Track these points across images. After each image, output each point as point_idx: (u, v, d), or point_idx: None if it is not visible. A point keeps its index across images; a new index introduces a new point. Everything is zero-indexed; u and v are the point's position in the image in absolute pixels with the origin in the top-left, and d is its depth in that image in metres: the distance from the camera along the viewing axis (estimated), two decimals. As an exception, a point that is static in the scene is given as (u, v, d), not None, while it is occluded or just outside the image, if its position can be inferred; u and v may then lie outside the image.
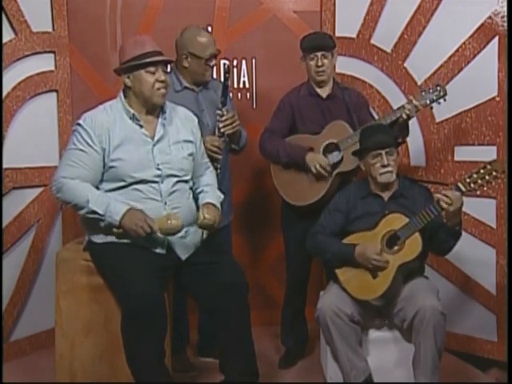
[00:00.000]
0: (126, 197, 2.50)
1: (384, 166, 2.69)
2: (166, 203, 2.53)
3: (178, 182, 2.58)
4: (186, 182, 2.64)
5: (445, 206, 2.52)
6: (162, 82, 2.54)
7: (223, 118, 2.90)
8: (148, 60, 2.51)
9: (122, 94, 2.61)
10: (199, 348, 3.29)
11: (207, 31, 3.01)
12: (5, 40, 3.13)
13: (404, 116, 2.86)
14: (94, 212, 2.45)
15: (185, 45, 2.92)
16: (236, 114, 2.97)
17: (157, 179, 2.53)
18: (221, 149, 2.90)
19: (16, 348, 3.27)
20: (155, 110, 2.60)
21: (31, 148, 3.30)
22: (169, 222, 2.45)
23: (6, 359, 3.15)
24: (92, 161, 2.50)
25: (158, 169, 2.53)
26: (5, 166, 3.14)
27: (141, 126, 2.57)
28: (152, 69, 2.53)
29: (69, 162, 2.51)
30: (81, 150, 2.51)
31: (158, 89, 2.53)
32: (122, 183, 2.51)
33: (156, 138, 2.57)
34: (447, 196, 2.52)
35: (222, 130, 2.90)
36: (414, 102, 2.87)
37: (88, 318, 2.57)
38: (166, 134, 2.60)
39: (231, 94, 3.59)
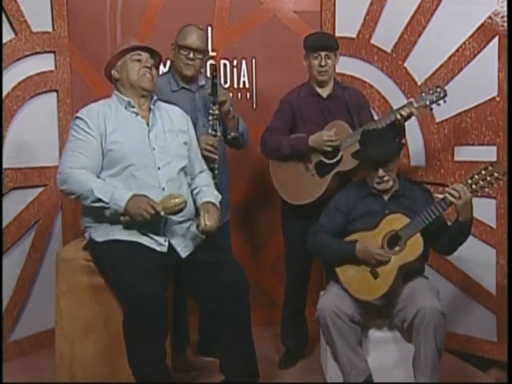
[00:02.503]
0: (124, 185, 2.52)
1: (380, 178, 2.70)
2: (164, 189, 2.55)
3: (176, 171, 2.60)
4: (184, 172, 2.66)
5: (453, 200, 2.52)
6: (147, 67, 2.62)
7: (212, 118, 2.90)
8: (132, 46, 2.61)
9: (115, 90, 2.70)
10: (199, 347, 3.28)
11: (201, 31, 3.00)
12: (5, 40, 3.13)
13: (399, 117, 2.85)
14: (99, 200, 2.47)
15: (176, 37, 2.98)
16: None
17: (153, 164, 2.56)
18: (215, 147, 2.90)
19: (16, 348, 3.27)
20: (146, 97, 2.66)
21: (31, 148, 3.30)
22: (172, 200, 2.47)
23: (6, 359, 3.15)
24: (92, 148, 2.54)
25: (153, 153, 2.56)
26: (5, 166, 3.14)
27: (136, 114, 2.63)
28: (137, 56, 2.63)
29: (71, 152, 2.55)
30: (80, 139, 2.55)
31: (144, 73, 2.61)
32: (119, 167, 2.54)
33: (151, 124, 2.62)
34: (455, 189, 2.52)
35: (215, 128, 2.91)
36: (414, 103, 2.87)
37: (88, 318, 2.57)
38: (160, 120, 2.66)
39: (231, 94, 3.59)
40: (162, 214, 2.47)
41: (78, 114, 2.61)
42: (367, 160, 2.73)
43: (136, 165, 2.54)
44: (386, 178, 2.70)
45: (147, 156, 2.56)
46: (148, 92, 2.65)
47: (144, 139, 2.59)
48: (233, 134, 3.03)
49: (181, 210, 2.50)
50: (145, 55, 2.64)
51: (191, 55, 2.93)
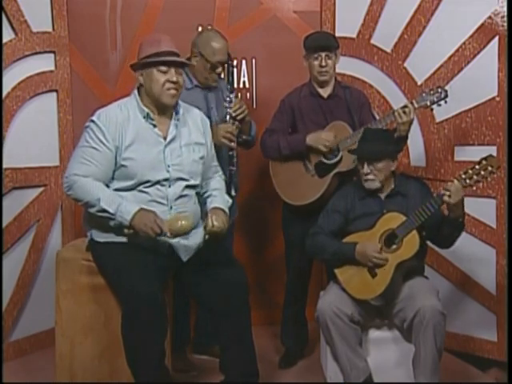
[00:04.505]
0: (133, 198, 2.49)
1: (365, 175, 2.71)
2: (171, 207, 2.53)
3: (185, 187, 2.57)
4: (194, 187, 2.62)
5: (446, 198, 2.52)
6: (173, 82, 2.51)
7: (232, 105, 2.93)
8: (160, 59, 2.50)
9: (136, 92, 2.60)
10: (195, 345, 3.28)
11: (224, 38, 2.97)
12: (5, 40, 3.13)
13: (399, 120, 2.85)
14: (104, 211, 2.44)
15: (198, 44, 2.96)
16: (242, 101, 3.00)
17: (165, 182, 2.52)
18: (234, 135, 2.91)
19: (16, 348, 3.27)
20: (167, 109, 2.58)
21: (31, 148, 3.30)
22: (179, 222, 2.45)
23: (5, 359, 3.15)
24: (105, 159, 2.48)
25: (168, 171, 2.52)
26: (5, 166, 3.14)
27: (154, 126, 2.56)
28: (164, 68, 2.51)
29: (81, 159, 2.49)
30: (94, 147, 2.49)
31: (168, 89, 2.51)
32: (131, 182, 2.50)
33: (168, 139, 2.56)
34: (448, 189, 2.52)
35: (233, 115, 2.92)
36: (414, 103, 2.88)
37: (88, 318, 2.57)
38: (179, 135, 2.59)
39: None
40: (168, 234, 2.44)
41: (95, 119, 2.51)
42: (357, 154, 2.74)
43: (148, 182, 2.49)
44: (370, 177, 2.70)
45: (161, 173, 2.51)
46: (168, 107, 2.58)
47: (159, 155, 2.52)
48: (245, 137, 3.05)
49: (187, 233, 2.48)
50: (173, 67, 2.52)
51: (220, 69, 2.95)
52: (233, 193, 2.90)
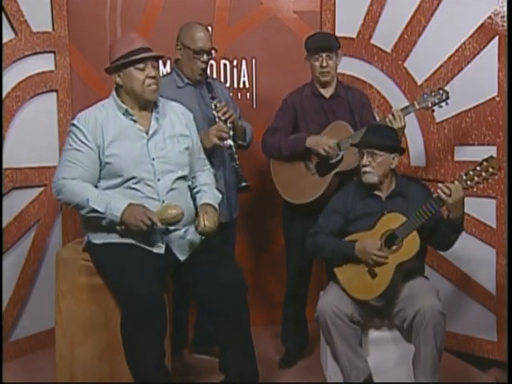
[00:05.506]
0: (123, 196, 2.49)
1: (363, 166, 2.71)
2: (163, 202, 2.53)
3: (175, 180, 2.57)
4: (185, 179, 2.63)
5: (443, 196, 2.51)
6: (152, 77, 2.54)
7: (219, 108, 2.92)
8: (136, 57, 2.52)
9: (114, 92, 2.63)
10: (195, 345, 3.29)
11: (206, 29, 3.00)
12: (5, 40, 3.13)
13: (390, 125, 2.85)
14: (94, 210, 2.45)
15: (180, 36, 2.97)
16: (227, 105, 2.98)
17: (152, 177, 2.53)
18: (227, 132, 2.90)
19: (16, 348, 3.27)
20: (148, 105, 2.61)
21: (31, 148, 3.30)
22: (169, 211, 2.45)
23: (5, 359, 3.15)
24: (89, 159, 2.51)
25: (153, 164, 2.53)
26: (5, 166, 3.14)
27: (134, 121, 2.57)
28: (141, 65, 2.53)
29: (66, 162, 2.52)
30: (76, 149, 2.51)
31: (149, 85, 2.54)
32: (119, 180, 2.51)
33: (150, 133, 2.57)
34: (447, 187, 2.51)
35: (222, 118, 2.92)
36: (416, 104, 2.88)
37: (88, 318, 2.57)
38: (160, 127, 2.60)
39: (231, 94, 3.59)
40: (159, 224, 2.45)
41: (75, 122, 2.55)
42: (358, 145, 2.74)
43: (135, 178, 2.51)
44: (368, 169, 2.69)
45: (146, 168, 2.52)
46: (150, 102, 2.60)
47: (143, 149, 2.54)
48: (240, 142, 3.05)
49: (178, 222, 2.47)
50: (150, 62, 2.55)
51: (205, 57, 2.94)
52: (243, 184, 2.87)
